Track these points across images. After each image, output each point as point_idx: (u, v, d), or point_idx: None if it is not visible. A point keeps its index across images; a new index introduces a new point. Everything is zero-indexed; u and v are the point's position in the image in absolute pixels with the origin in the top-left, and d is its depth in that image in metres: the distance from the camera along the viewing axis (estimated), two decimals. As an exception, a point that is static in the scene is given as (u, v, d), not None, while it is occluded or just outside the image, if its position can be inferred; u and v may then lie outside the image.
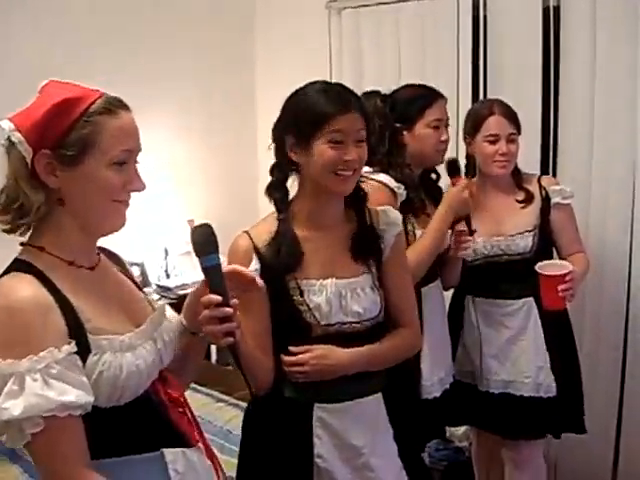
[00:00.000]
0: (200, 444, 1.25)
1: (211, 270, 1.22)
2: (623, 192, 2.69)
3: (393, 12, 3.24)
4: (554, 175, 2.86)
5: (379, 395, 1.63)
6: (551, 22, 2.82)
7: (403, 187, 2.06)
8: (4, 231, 1.14)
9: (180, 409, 1.24)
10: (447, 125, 2.21)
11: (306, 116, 1.50)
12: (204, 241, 1.24)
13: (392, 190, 2.03)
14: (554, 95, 2.87)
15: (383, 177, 2.03)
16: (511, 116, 2.26)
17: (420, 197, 2.17)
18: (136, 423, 1.16)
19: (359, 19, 3.38)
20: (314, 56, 3.46)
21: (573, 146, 2.83)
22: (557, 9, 2.79)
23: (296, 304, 1.53)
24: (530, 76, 2.87)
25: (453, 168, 2.17)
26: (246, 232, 1.58)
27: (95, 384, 1.08)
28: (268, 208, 1.64)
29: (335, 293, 1.54)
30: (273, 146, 1.60)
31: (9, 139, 1.11)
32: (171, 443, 1.18)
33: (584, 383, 2.39)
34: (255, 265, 1.52)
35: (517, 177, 2.33)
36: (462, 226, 2.12)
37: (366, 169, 1.76)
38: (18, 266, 1.12)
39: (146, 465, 1.15)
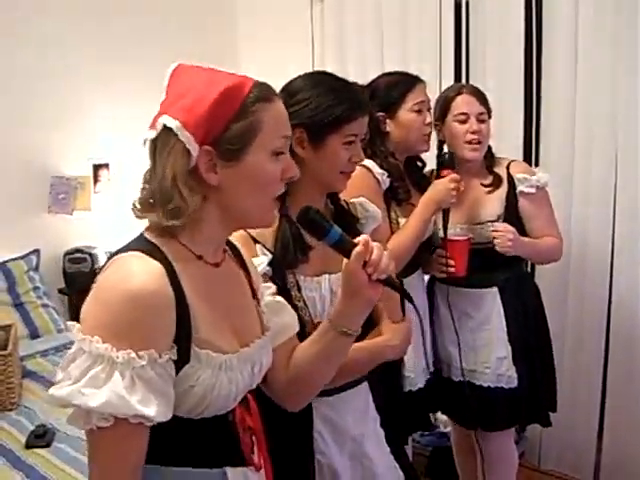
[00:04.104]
0: (263, 470, 1.20)
1: (339, 241, 1.19)
2: (605, 178, 2.66)
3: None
4: (537, 160, 2.85)
5: (366, 383, 1.62)
6: (533, 6, 2.80)
7: (386, 175, 2.03)
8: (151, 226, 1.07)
9: (252, 437, 1.18)
10: (429, 108, 2.16)
11: (323, 114, 1.47)
12: (316, 223, 1.20)
13: (376, 177, 2.00)
14: (537, 80, 2.85)
15: (368, 162, 1.98)
16: (480, 96, 2.21)
17: (405, 187, 2.12)
18: (205, 438, 1.10)
19: (342, 6, 3.35)
20: (297, 45, 3.44)
21: (555, 130, 2.80)
22: (540, -7, 2.78)
23: (294, 300, 1.48)
24: (513, 60, 2.85)
25: (447, 160, 2.13)
26: None
27: (181, 395, 1.01)
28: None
29: (328, 289, 1.52)
30: None
31: (175, 136, 1.02)
32: (234, 463, 1.13)
33: (568, 373, 2.35)
34: (264, 257, 1.46)
35: (489, 160, 2.27)
36: (442, 251, 2.13)
37: None
38: (147, 247, 1.03)
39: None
